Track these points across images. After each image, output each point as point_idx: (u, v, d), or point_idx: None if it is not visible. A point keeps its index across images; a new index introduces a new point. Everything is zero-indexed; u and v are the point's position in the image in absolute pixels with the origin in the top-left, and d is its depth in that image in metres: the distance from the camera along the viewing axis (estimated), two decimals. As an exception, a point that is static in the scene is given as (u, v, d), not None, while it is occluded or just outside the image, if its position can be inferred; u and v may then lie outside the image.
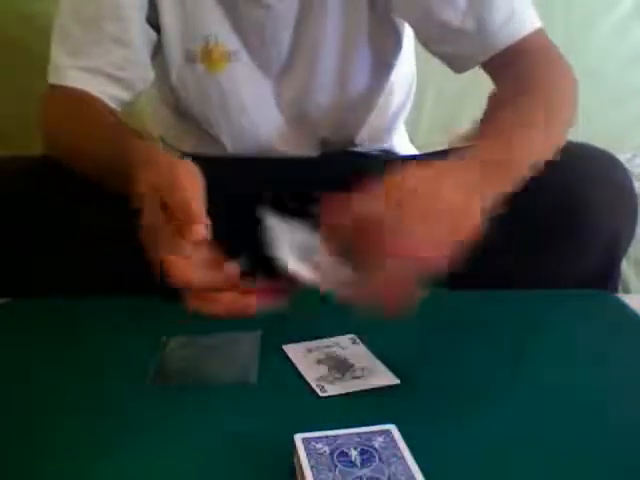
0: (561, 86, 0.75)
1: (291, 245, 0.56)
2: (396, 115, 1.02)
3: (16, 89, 1.36)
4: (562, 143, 0.71)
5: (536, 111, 0.69)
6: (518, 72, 0.76)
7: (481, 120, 0.71)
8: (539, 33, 0.78)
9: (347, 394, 0.57)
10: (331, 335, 0.66)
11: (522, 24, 0.77)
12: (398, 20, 0.89)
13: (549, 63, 0.77)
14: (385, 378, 0.59)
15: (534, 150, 0.66)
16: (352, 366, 0.61)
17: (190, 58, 0.88)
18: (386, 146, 1.03)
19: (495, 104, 0.73)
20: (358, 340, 0.65)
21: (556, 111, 0.72)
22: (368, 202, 0.55)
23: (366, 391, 0.58)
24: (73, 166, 0.76)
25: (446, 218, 0.56)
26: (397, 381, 0.59)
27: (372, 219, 0.54)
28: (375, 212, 0.54)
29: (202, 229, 0.54)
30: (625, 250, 0.80)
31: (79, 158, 0.76)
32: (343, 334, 0.66)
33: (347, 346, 0.64)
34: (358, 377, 0.59)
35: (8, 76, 1.37)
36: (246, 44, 0.88)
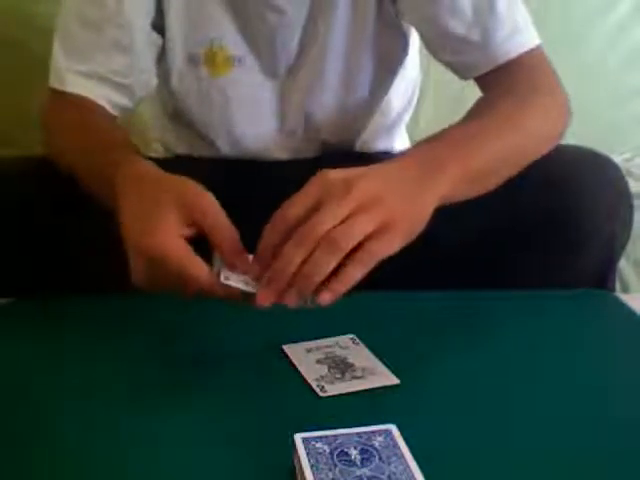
0: (545, 100, 0.76)
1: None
2: (397, 118, 1.02)
3: (17, 90, 1.36)
4: (536, 154, 0.73)
5: (502, 121, 0.71)
6: (507, 83, 0.77)
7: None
8: (537, 50, 0.80)
9: (347, 394, 0.57)
10: (331, 335, 0.66)
11: (524, 39, 0.79)
12: (406, 25, 0.89)
13: (541, 79, 0.78)
14: (385, 378, 0.59)
15: (488, 156, 0.67)
16: (352, 366, 0.61)
17: (193, 61, 0.88)
18: (386, 148, 1.03)
19: (470, 112, 0.75)
20: (358, 340, 0.65)
21: (531, 123, 0.73)
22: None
23: (366, 391, 0.58)
24: (69, 173, 0.76)
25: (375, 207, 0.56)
26: (397, 381, 0.59)
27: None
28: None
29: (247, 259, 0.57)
30: (621, 251, 0.80)
31: (71, 166, 0.76)
32: (343, 334, 0.66)
33: (347, 346, 0.64)
34: (358, 377, 0.59)
35: (9, 77, 1.37)
36: (253, 49, 0.88)
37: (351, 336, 0.66)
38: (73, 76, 0.82)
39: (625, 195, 0.77)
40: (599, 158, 0.79)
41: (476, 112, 0.74)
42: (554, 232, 0.75)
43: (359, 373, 0.60)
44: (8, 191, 0.79)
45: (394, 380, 0.59)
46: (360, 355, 0.63)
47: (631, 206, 0.78)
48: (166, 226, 0.57)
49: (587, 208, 0.74)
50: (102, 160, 0.70)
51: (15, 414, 0.56)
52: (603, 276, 0.80)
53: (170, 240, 0.56)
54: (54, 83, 0.83)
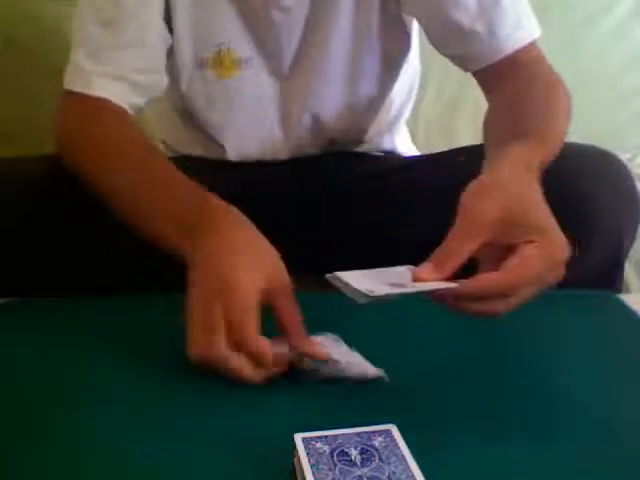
0: (556, 98, 0.76)
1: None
2: (398, 116, 1.02)
3: (21, 91, 1.36)
4: (557, 151, 0.72)
5: (533, 122, 0.71)
6: (515, 81, 0.78)
7: (484, 139, 0.74)
8: (535, 43, 0.81)
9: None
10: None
11: (527, 32, 0.80)
12: (408, 20, 0.90)
13: (544, 74, 0.79)
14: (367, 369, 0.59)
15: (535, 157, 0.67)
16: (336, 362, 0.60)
17: (200, 64, 0.88)
18: (388, 147, 1.03)
19: (492, 122, 0.76)
20: (340, 339, 0.63)
21: (552, 122, 0.73)
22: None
23: (366, 391, 0.58)
24: (90, 185, 0.74)
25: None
26: (381, 374, 0.58)
27: None
28: None
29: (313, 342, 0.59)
30: (629, 249, 0.80)
31: (109, 193, 0.73)
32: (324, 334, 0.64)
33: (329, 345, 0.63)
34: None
35: (14, 77, 1.37)
36: (261, 50, 0.88)
37: (333, 335, 0.63)
38: (96, 78, 0.79)
39: (632, 194, 0.77)
40: (606, 155, 0.79)
41: (507, 126, 0.73)
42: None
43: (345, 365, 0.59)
44: (8, 191, 0.78)
45: (378, 372, 0.58)
46: (343, 353, 0.60)
47: (638, 205, 0.77)
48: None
49: (594, 207, 0.74)
50: (164, 209, 0.67)
51: (14, 414, 0.56)
52: (610, 276, 0.80)
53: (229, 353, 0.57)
54: (78, 87, 0.80)
